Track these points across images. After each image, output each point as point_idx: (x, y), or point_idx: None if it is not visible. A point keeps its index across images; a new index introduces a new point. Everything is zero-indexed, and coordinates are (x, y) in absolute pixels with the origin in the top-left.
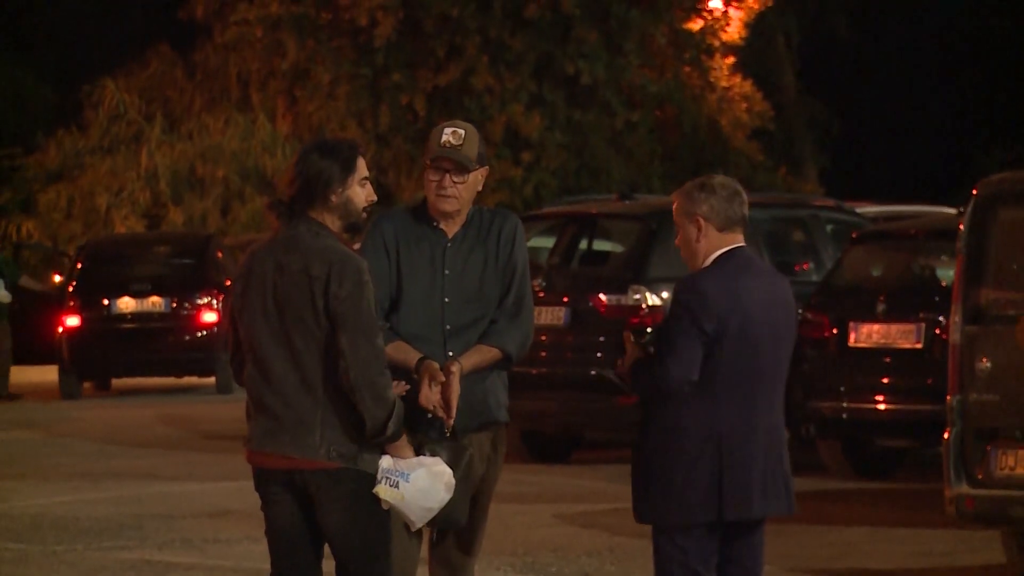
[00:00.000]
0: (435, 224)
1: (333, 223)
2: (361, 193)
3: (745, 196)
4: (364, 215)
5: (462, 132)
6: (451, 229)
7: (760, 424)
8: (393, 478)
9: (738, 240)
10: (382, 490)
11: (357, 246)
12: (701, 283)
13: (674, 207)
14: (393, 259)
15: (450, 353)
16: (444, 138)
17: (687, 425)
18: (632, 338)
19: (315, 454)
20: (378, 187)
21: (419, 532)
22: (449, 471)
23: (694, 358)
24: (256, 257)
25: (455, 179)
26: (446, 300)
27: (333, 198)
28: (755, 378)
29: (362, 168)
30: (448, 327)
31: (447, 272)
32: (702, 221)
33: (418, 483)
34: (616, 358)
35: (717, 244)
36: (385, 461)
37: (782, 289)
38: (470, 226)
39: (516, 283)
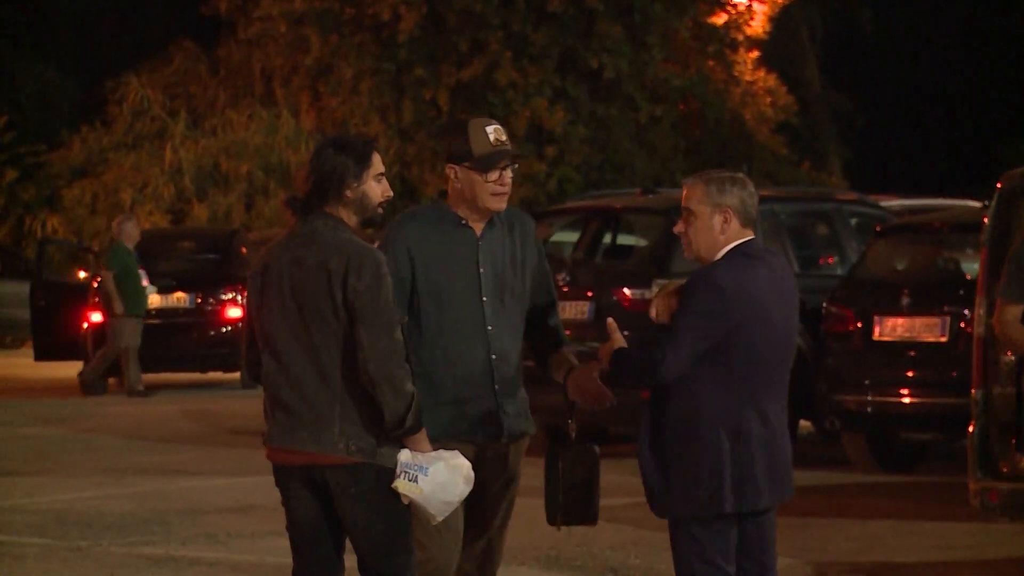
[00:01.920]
0: (463, 222)
1: (349, 218)
2: (377, 188)
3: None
4: (380, 210)
5: (502, 128)
6: (479, 226)
7: (768, 413)
8: (412, 472)
9: (750, 235)
10: (401, 484)
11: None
12: (721, 279)
13: (695, 193)
14: (421, 262)
15: (493, 357)
16: (493, 136)
17: (701, 416)
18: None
19: (334, 449)
20: (401, 182)
21: (457, 527)
22: (468, 464)
23: (694, 355)
24: (273, 253)
25: (509, 177)
26: (484, 298)
27: (348, 193)
28: (766, 368)
29: (377, 163)
30: (490, 327)
31: (482, 270)
32: (731, 213)
33: (437, 477)
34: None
35: (735, 237)
36: (403, 455)
37: (790, 280)
38: (493, 223)
39: (552, 285)
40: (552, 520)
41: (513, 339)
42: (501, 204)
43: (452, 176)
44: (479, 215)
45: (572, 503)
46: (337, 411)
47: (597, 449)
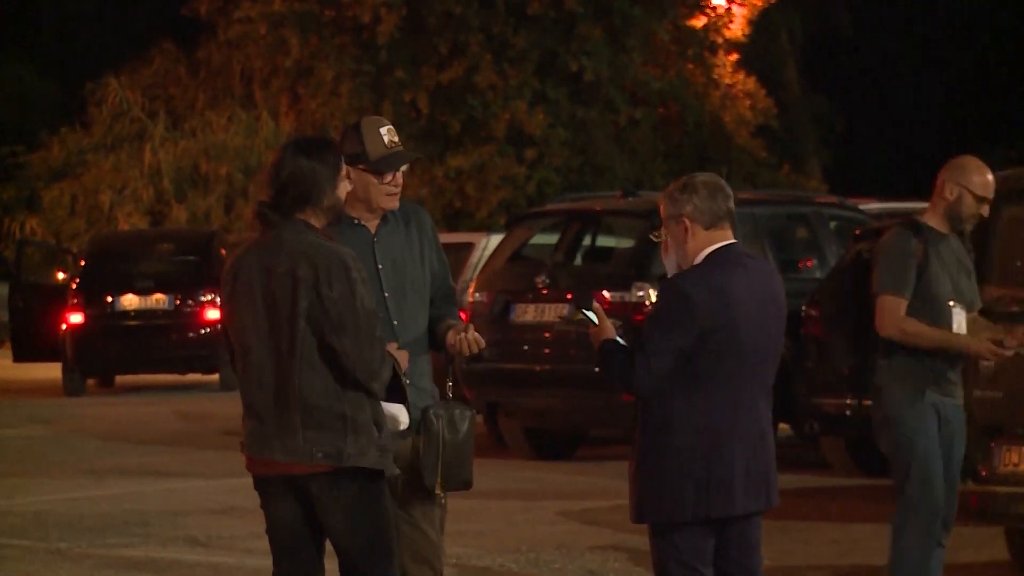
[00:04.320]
0: (356, 221)
1: (319, 221)
2: (344, 188)
3: (729, 191)
4: (345, 208)
5: (394, 128)
6: (372, 224)
7: (746, 420)
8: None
9: (727, 236)
10: None
11: None
12: (685, 286)
13: (661, 210)
14: None
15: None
16: (387, 138)
17: (676, 422)
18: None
19: (299, 457)
20: None
21: (441, 524)
22: (390, 432)
23: (665, 368)
24: (242, 262)
25: (401, 177)
26: (386, 294)
27: (325, 202)
28: (742, 374)
29: (342, 164)
30: (396, 322)
31: (381, 267)
32: (688, 222)
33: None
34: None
35: (706, 242)
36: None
37: (773, 285)
38: (387, 219)
39: (448, 271)
40: (432, 485)
41: (418, 331)
42: (395, 203)
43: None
44: (373, 214)
45: (451, 466)
46: (300, 418)
47: (472, 412)
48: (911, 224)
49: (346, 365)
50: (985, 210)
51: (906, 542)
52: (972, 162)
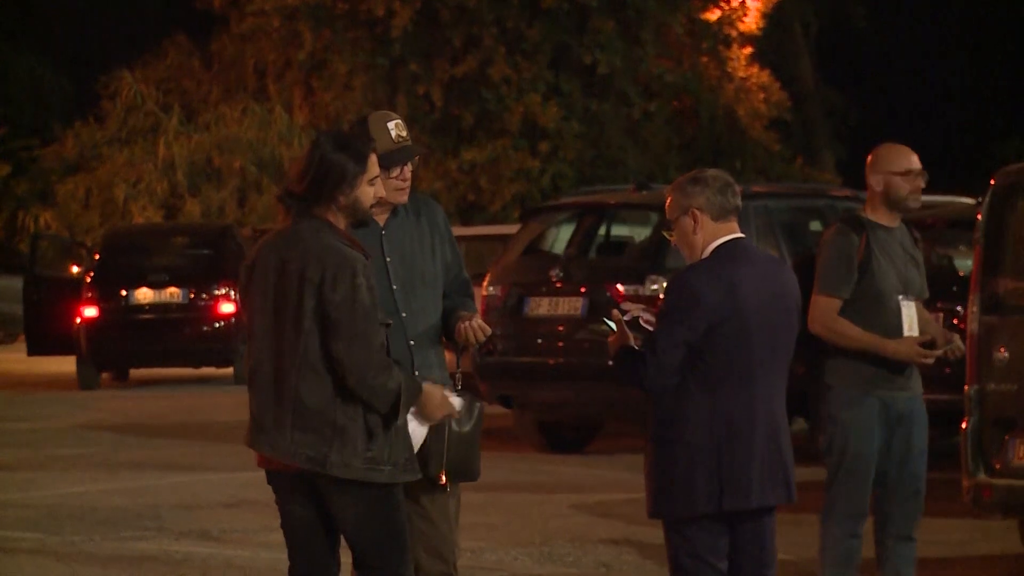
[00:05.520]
0: None
1: (339, 220)
2: (370, 191)
3: (737, 188)
4: (371, 212)
5: (402, 123)
6: (381, 217)
7: (759, 413)
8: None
9: (734, 230)
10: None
11: None
12: (693, 280)
13: (668, 205)
14: None
15: (411, 343)
16: (394, 133)
17: (688, 416)
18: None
19: (283, 455)
20: None
21: (454, 517)
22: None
23: (674, 363)
24: (262, 251)
25: (410, 171)
26: (394, 287)
27: (341, 199)
28: (753, 367)
29: (373, 167)
30: (404, 314)
31: (389, 259)
32: (698, 213)
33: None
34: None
35: (713, 234)
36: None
37: (783, 278)
38: (396, 212)
39: (461, 263)
40: (436, 476)
41: (428, 324)
42: (404, 197)
43: None
44: (381, 208)
45: (458, 458)
46: (289, 418)
47: (480, 403)
48: (852, 220)
49: (339, 370)
50: (923, 181)
51: (829, 536)
52: (893, 148)
